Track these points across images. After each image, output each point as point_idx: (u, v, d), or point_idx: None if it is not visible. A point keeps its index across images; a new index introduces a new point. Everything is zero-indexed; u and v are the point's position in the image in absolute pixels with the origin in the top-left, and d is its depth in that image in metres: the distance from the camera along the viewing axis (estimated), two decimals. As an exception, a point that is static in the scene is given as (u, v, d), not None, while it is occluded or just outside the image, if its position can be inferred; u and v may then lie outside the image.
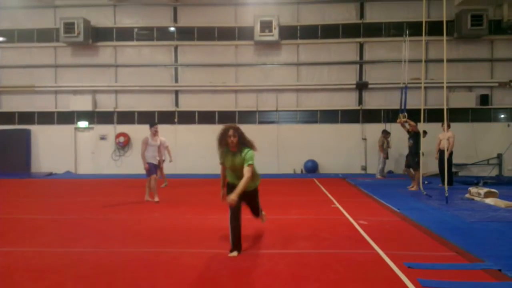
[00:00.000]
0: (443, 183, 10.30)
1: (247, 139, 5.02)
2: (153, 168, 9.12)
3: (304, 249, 5.10)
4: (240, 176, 4.87)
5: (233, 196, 4.67)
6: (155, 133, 9.14)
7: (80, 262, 4.60)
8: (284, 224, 6.61)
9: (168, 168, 16.49)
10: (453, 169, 15.10)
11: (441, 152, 11.31)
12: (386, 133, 14.91)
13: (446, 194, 8.44)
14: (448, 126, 11.32)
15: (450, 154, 11.22)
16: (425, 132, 11.44)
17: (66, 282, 3.98)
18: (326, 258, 4.67)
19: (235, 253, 4.78)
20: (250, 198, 5.21)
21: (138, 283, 3.94)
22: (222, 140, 4.95)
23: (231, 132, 4.88)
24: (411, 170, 11.11)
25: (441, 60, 8.93)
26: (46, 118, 17.41)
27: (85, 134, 17.49)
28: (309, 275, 4.11)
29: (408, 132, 11.27)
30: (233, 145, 4.90)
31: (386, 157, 14.87)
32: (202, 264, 4.48)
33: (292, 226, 6.50)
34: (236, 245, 4.84)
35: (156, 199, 9.11)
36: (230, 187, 5.03)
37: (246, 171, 4.82)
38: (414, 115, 11.96)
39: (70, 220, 7.22)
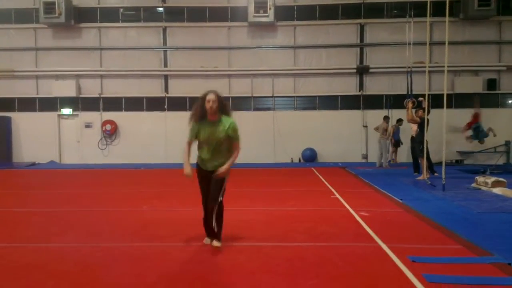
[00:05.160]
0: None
1: (227, 106, 4.74)
2: None
3: (302, 243, 5.06)
4: (216, 149, 4.62)
5: (223, 169, 4.52)
6: None
7: (63, 258, 4.53)
8: (281, 216, 6.56)
9: (158, 158, 16.47)
10: (459, 157, 15.59)
11: None
12: (387, 119, 14.86)
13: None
14: None
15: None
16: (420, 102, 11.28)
17: (47, 279, 3.91)
18: (325, 252, 4.63)
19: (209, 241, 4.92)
20: (214, 178, 4.65)
21: (125, 280, 3.88)
22: (200, 107, 4.59)
23: (211, 96, 4.54)
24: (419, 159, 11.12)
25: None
26: (27, 104, 17.21)
27: (69, 122, 17.34)
28: (307, 270, 4.07)
29: None
30: (213, 112, 4.55)
31: (393, 145, 14.94)
32: (193, 259, 4.43)
33: (289, 218, 6.45)
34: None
35: None
36: (201, 161, 4.78)
37: (235, 148, 4.67)
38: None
39: (53, 213, 7.13)
